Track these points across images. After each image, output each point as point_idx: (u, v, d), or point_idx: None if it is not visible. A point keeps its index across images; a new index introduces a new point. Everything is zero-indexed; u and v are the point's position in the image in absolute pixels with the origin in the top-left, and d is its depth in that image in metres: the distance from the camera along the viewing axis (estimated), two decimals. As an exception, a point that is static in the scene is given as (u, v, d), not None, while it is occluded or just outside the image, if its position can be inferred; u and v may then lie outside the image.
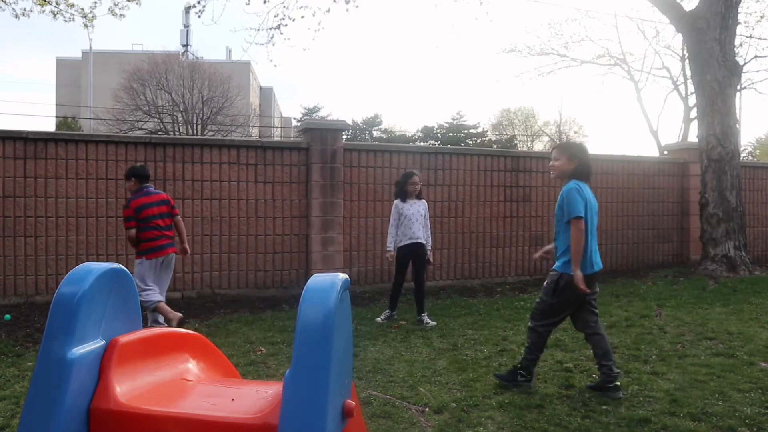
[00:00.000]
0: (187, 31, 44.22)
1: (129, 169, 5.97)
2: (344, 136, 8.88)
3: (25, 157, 7.01)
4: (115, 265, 2.36)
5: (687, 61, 18.86)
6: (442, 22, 62.24)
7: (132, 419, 2.07)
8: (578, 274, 3.84)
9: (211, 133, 32.48)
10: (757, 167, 11.56)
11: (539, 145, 46.85)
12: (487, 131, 49.96)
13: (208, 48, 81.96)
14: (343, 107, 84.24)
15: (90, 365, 2.12)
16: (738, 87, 11.83)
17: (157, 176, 7.44)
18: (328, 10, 12.26)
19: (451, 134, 47.62)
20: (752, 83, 24.10)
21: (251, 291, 7.84)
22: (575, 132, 45.40)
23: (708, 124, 9.58)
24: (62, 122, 32.74)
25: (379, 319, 6.32)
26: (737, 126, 10.27)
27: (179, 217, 6.00)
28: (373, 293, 7.96)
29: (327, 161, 8.06)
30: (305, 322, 2.01)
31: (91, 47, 32.98)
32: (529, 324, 4.18)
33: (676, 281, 8.79)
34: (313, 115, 47.17)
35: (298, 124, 24.88)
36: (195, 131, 32.69)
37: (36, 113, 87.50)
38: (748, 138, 51.60)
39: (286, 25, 11.52)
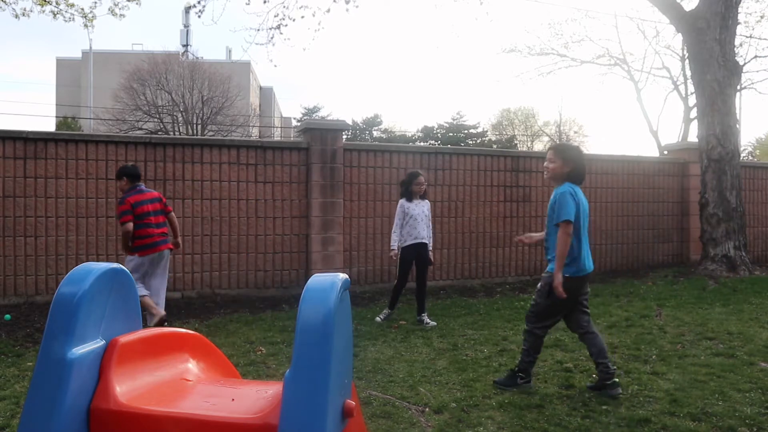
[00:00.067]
0: (187, 31, 44.23)
1: (120, 168, 5.97)
2: (344, 136, 8.89)
3: (25, 157, 7.01)
4: (115, 265, 2.36)
5: (687, 61, 18.85)
6: (442, 22, 62.31)
7: (132, 419, 2.06)
8: (558, 277, 3.88)
9: (211, 133, 32.49)
10: (757, 167, 11.56)
11: (539, 145, 46.84)
12: (487, 131, 49.98)
13: (208, 48, 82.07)
14: (343, 107, 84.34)
15: (90, 365, 2.12)
16: (738, 87, 11.84)
17: (157, 176, 7.44)
18: (328, 10, 12.28)
19: (451, 134, 47.62)
20: (752, 83, 24.14)
21: (251, 291, 7.84)
22: (575, 132, 45.42)
23: (708, 124, 9.58)
24: (62, 122, 32.75)
25: (378, 319, 6.32)
26: (737, 126, 10.27)
27: (172, 214, 6.06)
28: (373, 293, 7.96)
29: (327, 161, 8.06)
30: (305, 322, 2.01)
31: (91, 47, 32.99)
32: (525, 327, 4.20)
33: (676, 281, 8.79)
34: (313, 115, 47.17)
35: (298, 124, 24.89)
36: (195, 131, 32.69)
37: (36, 113, 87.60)
38: (748, 138, 51.66)
39: (286, 25, 11.54)
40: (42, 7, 10.59)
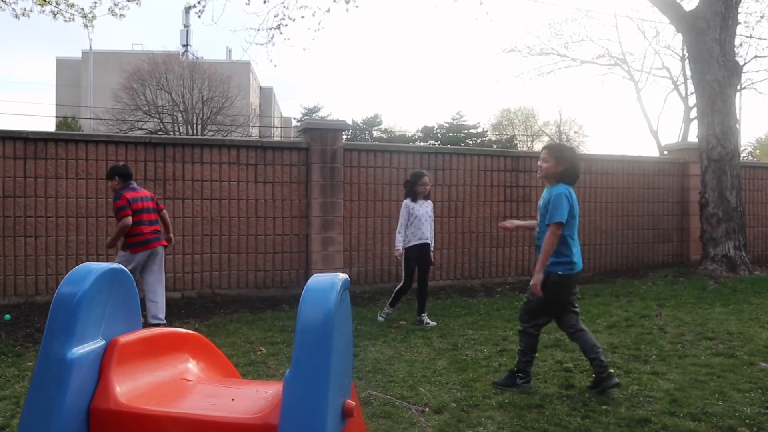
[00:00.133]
0: (187, 31, 44.22)
1: (111, 168, 5.91)
2: (344, 136, 8.89)
3: (25, 157, 7.01)
4: (115, 265, 2.36)
5: (687, 61, 18.86)
6: (442, 22, 62.31)
7: (132, 419, 2.07)
8: (538, 277, 3.91)
9: (211, 133, 32.49)
10: (757, 167, 11.56)
11: (539, 145, 46.74)
12: (487, 131, 49.97)
13: (208, 48, 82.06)
14: (343, 107, 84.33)
15: (90, 365, 2.12)
16: (738, 87, 11.84)
17: (157, 176, 7.44)
18: (328, 10, 12.28)
19: (451, 134, 47.62)
20: (752, 83, 24.14)
21: (251, 291, 7.84)
22: (575, 132, 45.42)
23: (708, 124, 9.59)
24: (62, 122, 32.75)
25: (380, 318, 6.31)
26: (737, 126, 10.27)
27: (165, 211, 6.07)
28: (373, 293, 7.96)
29: (327, 161, 8.06)
30: (305, 322, 2.01)
31: (91, 47, 32.99)
32: (519, 327, 4.21)
33: (676, 281, 8.79)
34: (313, 115, 47.17)
35: (298, 124, 24.88)
36: (195, 131, 32.69)
37: (36, 113, 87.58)
38: (748, 138, 51.65)
39: (286, 25, 11.54)
40: (42, 7, 10.59)
